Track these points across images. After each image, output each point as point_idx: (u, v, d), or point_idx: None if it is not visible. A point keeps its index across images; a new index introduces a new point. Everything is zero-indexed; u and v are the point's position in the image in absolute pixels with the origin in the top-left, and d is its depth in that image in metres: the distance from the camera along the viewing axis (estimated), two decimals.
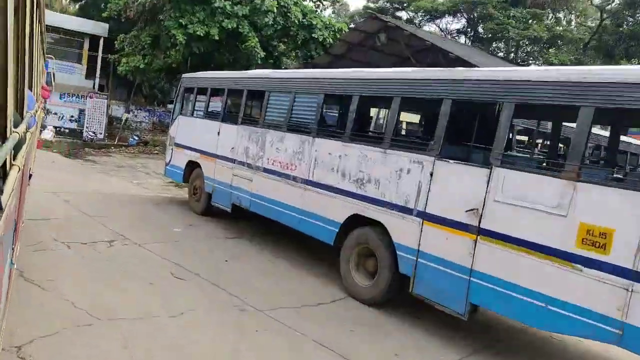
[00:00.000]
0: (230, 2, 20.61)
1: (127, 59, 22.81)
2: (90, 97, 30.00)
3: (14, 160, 2.09)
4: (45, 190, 10.03)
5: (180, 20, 20.17)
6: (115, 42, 25.05)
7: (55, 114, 29.70)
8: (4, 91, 1.78)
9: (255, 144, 8.66)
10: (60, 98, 29.82)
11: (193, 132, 10.77)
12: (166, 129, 34.29)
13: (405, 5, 41.81)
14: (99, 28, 30.75)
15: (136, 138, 23.94)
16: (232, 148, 9.24)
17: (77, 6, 35.76)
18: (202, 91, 10.80)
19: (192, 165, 10.68)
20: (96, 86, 31.32)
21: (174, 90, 32.97)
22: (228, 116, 9.93)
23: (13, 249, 2.85)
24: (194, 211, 10.58)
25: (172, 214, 10.40)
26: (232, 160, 9.24)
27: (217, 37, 20.52)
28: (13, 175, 1.94)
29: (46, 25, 31.82)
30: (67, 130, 29.76)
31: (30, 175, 5.51)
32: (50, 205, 9.21)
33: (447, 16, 41.20)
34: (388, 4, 42.52)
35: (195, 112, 11.07)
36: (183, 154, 11.00)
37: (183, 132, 11.16)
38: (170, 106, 36.53)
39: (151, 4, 20.64)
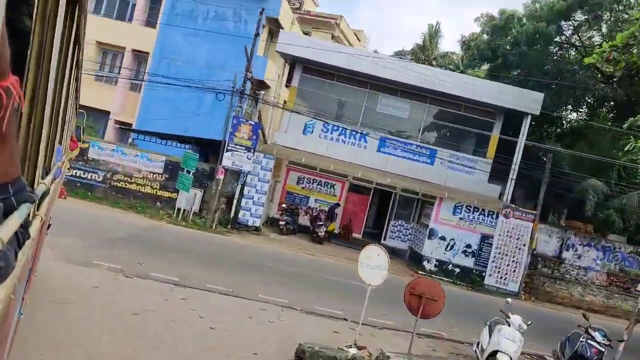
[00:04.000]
0: None
1: None
2: (506, 216, 16.88)
3: (37, 210, 2.15)
4: None
5: None
6: None
7: (442, 238, 17.54)
8: (37, 147, 1.95)
9: None
10: (454, 213, 17.66)
11: None
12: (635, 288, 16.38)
13: None
14: (526, 99, 17.99)
15: None
16: None
17: (480, 67, 24.31)
18: None
19: None
20: (507, 196, 18.12)
21: None
22: None
23: (24, 298, 2.90)
24: None
25: None
26: None
27: None
28: (35, 225, 1.96)
29: (444, 93, 18.46)
30: (456, 270, 17.18)
31: (49, 225, 5.44)
32: None
33: None
34: None
35: None
36: None
37: None
38: None
39: None
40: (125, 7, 24.68)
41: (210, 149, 19.49)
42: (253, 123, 16.63)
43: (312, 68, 19.13)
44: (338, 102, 19.13)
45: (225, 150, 16.19)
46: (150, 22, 24.38)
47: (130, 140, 20.16)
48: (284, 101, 19.56)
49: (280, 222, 17.79)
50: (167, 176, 16.98)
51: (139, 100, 23.58)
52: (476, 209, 17.19)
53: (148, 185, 16.87)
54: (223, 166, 16.28)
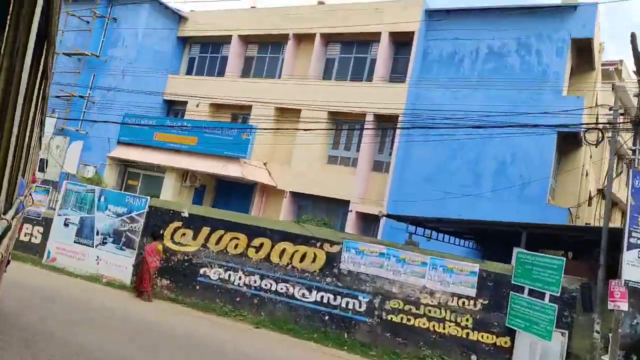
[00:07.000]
0: None
1: None
2: None
3: None
4: None
5: None
6: None
7: None
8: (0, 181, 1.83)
9: None
10: None
11: None
12: None
13: None
14: None
15: None
16: None
17: None
18: None
19: None
20: None
21: None
22: None
23: None
24: None
25: None
26: None
27: None
28: None
29: None
30: None
31: (9, 262, 4.83)
32: None
33: None
34: None
35: None
36: None
37: None
38: None
39: None
40: (362, 66, 18.96)
41: (508, 246, 11.05)
42: None
43: None
44: None
45: (626, 248, 7.43)
46: (395, 77, 18.10)
47: (407, 238, 12.75)
48: None
49: None
50: (484, 302, 8.79)
51: (387, 183, 16.75)
52: None
53: (451, 321, 8.88)
54: (625, 282, 7.44)
